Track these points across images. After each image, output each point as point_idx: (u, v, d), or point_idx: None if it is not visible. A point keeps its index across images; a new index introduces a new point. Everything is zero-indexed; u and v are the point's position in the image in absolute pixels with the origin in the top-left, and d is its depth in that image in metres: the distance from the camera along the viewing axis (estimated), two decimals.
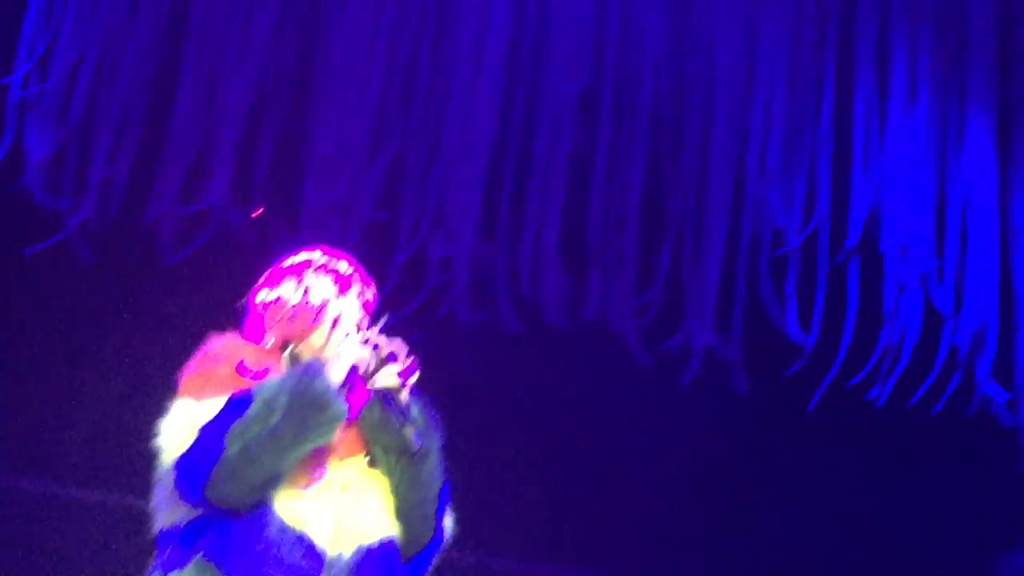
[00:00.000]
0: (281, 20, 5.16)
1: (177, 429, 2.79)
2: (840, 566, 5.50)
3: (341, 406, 2.74)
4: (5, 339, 5.28)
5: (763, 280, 5.13)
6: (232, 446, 2.67)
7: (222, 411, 2.74)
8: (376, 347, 2.82)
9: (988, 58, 5.19)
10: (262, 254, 4.94)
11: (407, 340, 2.89)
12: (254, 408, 2.71)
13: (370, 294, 3.03)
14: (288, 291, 2.99)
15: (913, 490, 5.49)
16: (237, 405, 2.74)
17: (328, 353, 2.86)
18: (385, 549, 2.80)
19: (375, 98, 5.15)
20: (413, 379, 2.82)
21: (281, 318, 2.97)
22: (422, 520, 2.86)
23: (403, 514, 2.84)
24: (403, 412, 2.81)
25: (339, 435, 2.81)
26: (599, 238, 5.13)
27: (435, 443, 2.88)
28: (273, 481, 2.71)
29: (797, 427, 5.30)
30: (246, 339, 2.98)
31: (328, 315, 2.95)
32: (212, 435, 2.71)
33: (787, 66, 5.23)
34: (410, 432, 2.80)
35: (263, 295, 3.03)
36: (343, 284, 3.00)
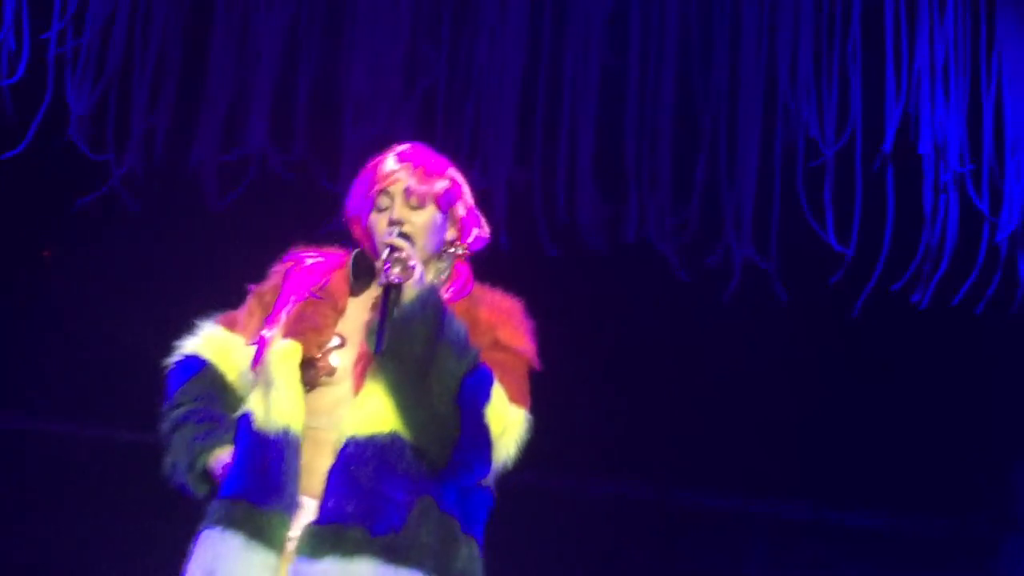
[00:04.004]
0: None
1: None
2: (890, 471, 5.56)
3: None
4: (60, 290, 5.43)
5: (800, 190, 5.16)
6: None
7: None
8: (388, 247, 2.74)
9: None
10: (304, 195, 5.09)
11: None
12: None
13: (426, 188, 2.81)
14: (352, 185, 2.91)
15: (958, 390, 5.54)
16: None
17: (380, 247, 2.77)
18: (382, 445, 2.63)
19: (406, 33, 5.20)
20: (404, 275, 2.67)
21: (347, 216, 2.91)
22: (422, 422, 2.64)
23: (400, 416, 2.66)
24: (386, 312, 2.64)
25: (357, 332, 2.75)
26: (634, 158, 5.17)
27: (415, 342, 2.62)
28: None
29: (841, 334, 5.35)
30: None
31: (366, 211, 2.83)
32: None
33: None
34: (385, 333, 2.63)
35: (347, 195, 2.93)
36: (389, 173, 2.83)
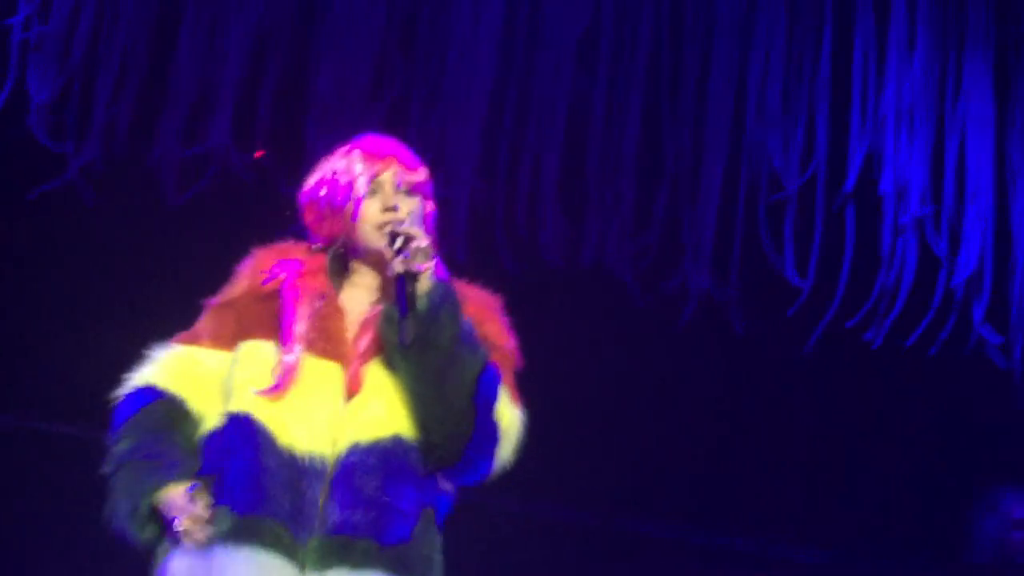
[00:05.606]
0: None
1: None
2: (834, 505, 5.57)
3: None
4: (11, 282, 5.34)
5: (761, 223, 5.17)
6: None
7: None
8: (394, 234, 2.61)
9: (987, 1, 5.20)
10: (264, 194, 5.05)
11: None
12: None
13: (413, 176, 2.75)
14: (322, 177, 2.77)
15: (907, 431, 5.56)
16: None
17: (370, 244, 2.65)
18: (385, 450, 2.53)
19: (376, 41, 5.17)
20: (426, 264, 2.55)
21: (317, 210, 2.75)
22: (441, 418, 2.55)
23: (416, 413, 2.55)
24: (407, 301, 2.51)
25: (362, 333, 2.62)
26: (597, 180, 5.16)
27: (443, 333, 2.52)
28: None
29: (794, 368, 5.36)
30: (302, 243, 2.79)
31: (358, 198, 2.68)
32: None
33: (786, 9, 5.24)
34: (410, 323, 2.51)
35: (305, 189, 2.80)
36: (375, 161, 2.74)
